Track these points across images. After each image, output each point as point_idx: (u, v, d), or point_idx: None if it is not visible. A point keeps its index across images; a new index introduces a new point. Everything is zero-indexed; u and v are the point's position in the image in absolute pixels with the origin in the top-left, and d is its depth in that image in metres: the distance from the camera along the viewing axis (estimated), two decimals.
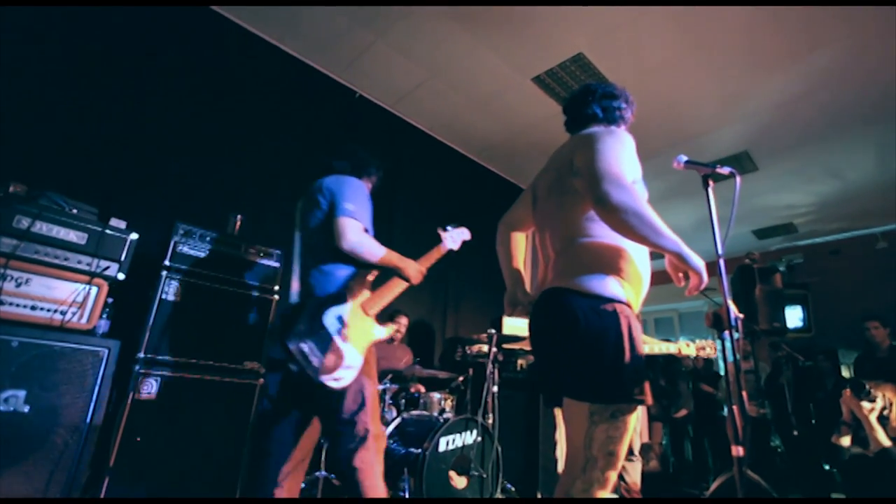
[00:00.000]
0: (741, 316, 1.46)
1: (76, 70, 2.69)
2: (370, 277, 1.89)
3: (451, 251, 2.40)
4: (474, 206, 5.08)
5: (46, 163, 2.48)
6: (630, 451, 2.94)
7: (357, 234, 1.74)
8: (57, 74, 2.63)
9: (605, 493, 1.24)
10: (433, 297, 4.44)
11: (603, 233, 1.35)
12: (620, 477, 2.97)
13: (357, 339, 1.73)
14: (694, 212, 5.80)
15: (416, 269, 1.94)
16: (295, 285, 1.90)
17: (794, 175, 5.02)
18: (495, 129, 4.70)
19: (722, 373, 5.04)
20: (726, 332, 1.45)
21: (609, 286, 1.30)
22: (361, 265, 1.81)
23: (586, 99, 1.65)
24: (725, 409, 4.71)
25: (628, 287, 1.34)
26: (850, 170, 4.86)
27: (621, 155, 1.32)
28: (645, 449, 3.39)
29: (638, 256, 1.39)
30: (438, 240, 2.34)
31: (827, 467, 3.83)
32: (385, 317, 3.76)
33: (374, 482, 1.66)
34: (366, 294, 1.84)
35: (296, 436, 1.80)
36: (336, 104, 4.04)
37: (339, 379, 1.62)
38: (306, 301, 1.75)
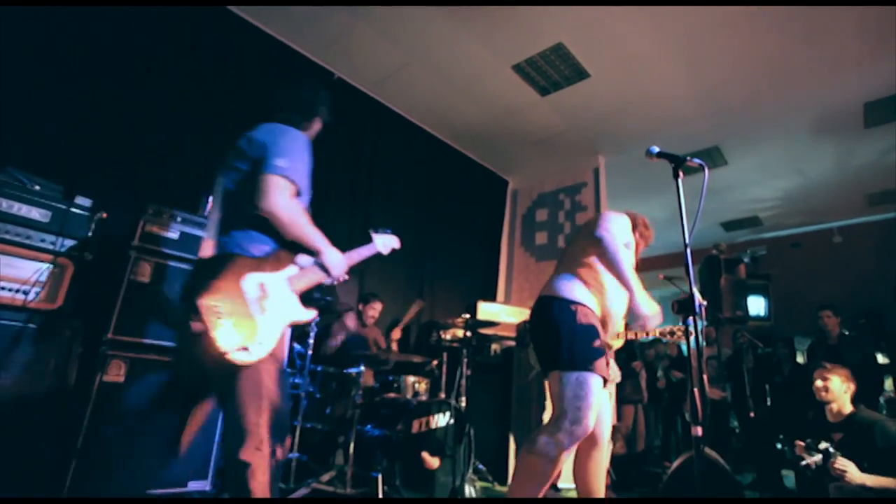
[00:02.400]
0: (704, 303, 1.53)
1: (40, 45, 2.56)
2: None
3: (379, 254, 2.14)
4: (451, 191, 5.09)
5: (6, 137, 2.36)
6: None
7: (284, 196, 1.47)
8: (19, 48, 2.49)
9: (569, 443, 1.61)
10: (409, 283, 4.45)
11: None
12: None
13: (276, 315, 1.48)
14: (666, 205, 5.95)
15: (340, 262, 1.66)
16: (208, 251, 1.63)
17: (761, 170, 5.20)
18: (474, 115, 4.70)
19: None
20: (690, 319, 1.52)
21: (574, 294, 1.82)
22: (281, 238, 1.53)
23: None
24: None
25: (589, 297, 1.84)
26: (812, 167, 5.06)
27: (617, 228, 1.91)
28: (613, 431, 3.51)
29: (610, 281, 1.87)
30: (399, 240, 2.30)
31: (779, 446, 4.05)
32: (358, 300, 3.76)
33: (263, 483, 1.37)
34: (294, 269, 1.58)
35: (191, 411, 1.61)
36: (314, 85, 3.96)
37: (247, 351, 1.37)
38: (225, 257, 1.49)
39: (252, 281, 1.46)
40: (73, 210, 2.20)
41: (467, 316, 3.13)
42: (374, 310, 3.68)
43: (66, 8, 2.66)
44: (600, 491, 1.86)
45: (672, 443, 5.12)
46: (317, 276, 1.63)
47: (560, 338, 1.71)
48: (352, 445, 2.46)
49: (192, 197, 2.69)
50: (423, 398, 2.91)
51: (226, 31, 3.42)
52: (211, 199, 2.68)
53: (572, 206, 5.21)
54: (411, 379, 3.07)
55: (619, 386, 4.38)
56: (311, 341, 2.67)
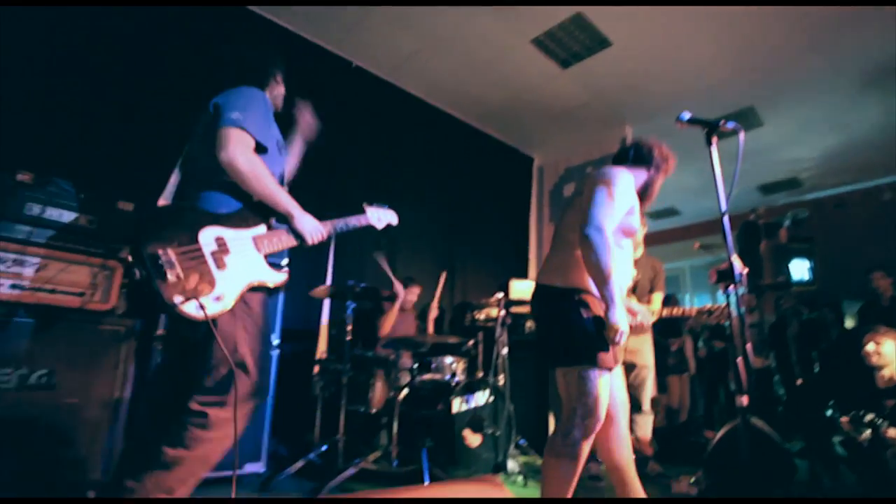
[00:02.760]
0: (745, 270, 1.50)
1: (74, 60, 2.67)
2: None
3: (372, 228, 2.06)
4: (476, 172, 5.06)
5: (51, 150, 2.49)
6: (639, 407, 3.03)
7: (242, 148, 1.40)
8: (55, 65, 2.60)
9: (585, 436, 1.59)
10: (438, 267, 4.48)
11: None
12: (631, 430, 3.06)
13: (238, 273, 1.40)
14: (699, 172, 5.75)
15: (313, 226, 1.58)
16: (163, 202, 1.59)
17: (800, 129, 4.95)
18: (495, 94, 4.63)
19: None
20: (731, 287, 1.49)
21: (574, 281, 1.69)
22: (249, 200, 1.46)
23: (627, 146, 1.97)
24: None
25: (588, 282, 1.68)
26: (856, 122, 4.78)
27: (612, 202, 1.66)
28: (654, 403, 3.49)
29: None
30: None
31: (829, 413, 3.94)
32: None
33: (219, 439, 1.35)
34: (262, 229, 1.51)
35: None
36: (332, 76, 3.99)
37: (201, 307, 1.29)
38: (182, 208, 1.44)
39: (210, 234, 1.38)
40: (117, 214, 2.31)
41: (501, 295, 3.14)
42: (413, 294, 3.72)
43: (90, 9, 2.75)
44: (629, 464, 1.79)
45: (715, 413, 5.05)
46: (288, 241, 1.55)
47: (561, 333, 1.66)
48: (395, 426, 2.53)
49: None
50: (461, 378, 2.95)
51: (241, 28, 3.45)
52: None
53: None
54: (448, 360, 3.12)
55: (662, 357, 4.34)
56: (350, 327, 2.73)
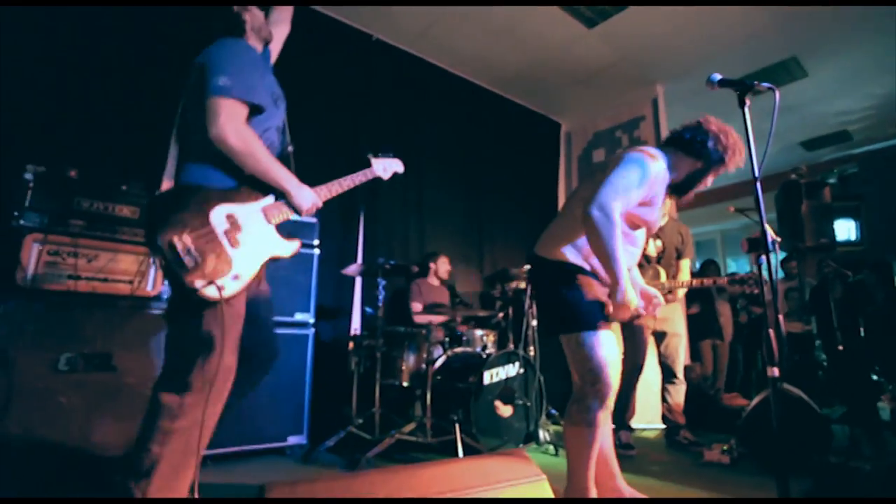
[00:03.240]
0: (778, 239, 1.46)
1: (106, 54, 2.75)
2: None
3: (379, 179, 2.00)
4: (503, 140, 4.99)
5: (91, 144, 2.61)
6: (673, 374, 3.01)
7: (233, 120, 1.34)
8: (87, 60, 2.69)
9: (599, 402, 1.62)
10: (467, 238, 4.50)
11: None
12: (663, 398, 3.07)
13: (253, 249, 1.40)
14: (737, 130, 5.49)
15: (308, 199, 1.54)
16: (166, 185, 1.53)
17: (848, 78, 4.62)
18: (519, 58, 4.49)
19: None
20: (763, 256, 1.45)
21: (569, 256, 1.73)
22: (242, 175, 1.41)
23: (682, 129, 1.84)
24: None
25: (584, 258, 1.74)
26: None
27: (628, 186, 1.63)
28: (687, 371, 3.47)
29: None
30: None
31: (875, 378, 3.82)
32: (425, 258, 3.85)
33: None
34: (270, 199, 1.49)
35: None
36: (354, 50, 3.96)
37: (221, 288, 1.29)
38: (188, 188, 1.39)
39: (220, 212, 1.35)
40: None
41: (528, 267, 3.14)
42: (444, 265, 3.74)
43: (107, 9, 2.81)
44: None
45: (753, 379, 4.97)
46: (290, 210, 1.54)
47: (556, 302, 1.72)
48: (428, 398, 2.63)
49: None
50: (492, 350, 3.01)
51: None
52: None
53: (631, 143, 4.93)
54: (479, 332, 3.18)
55: (693, 322, 4.27)
56: (381, 304, 2.81)
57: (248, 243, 1.39)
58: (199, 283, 1.26)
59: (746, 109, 1.57)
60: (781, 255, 5.18)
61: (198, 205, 1.33)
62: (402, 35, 4.18)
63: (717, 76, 1.62)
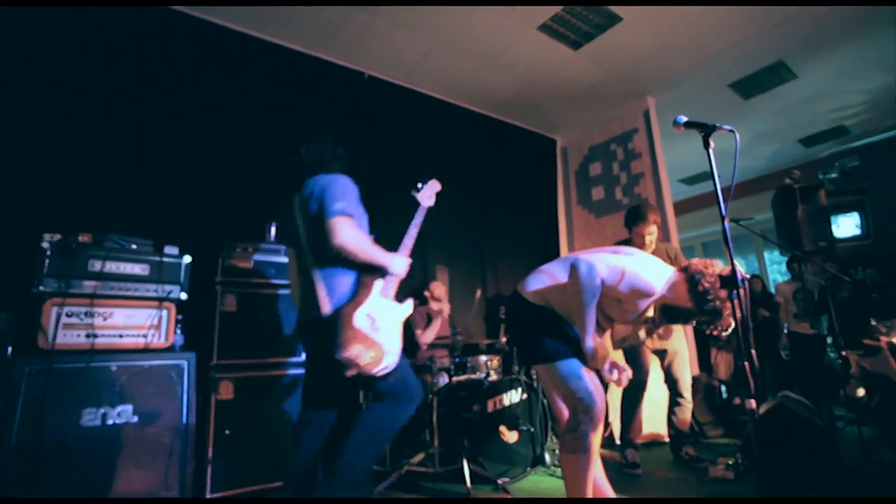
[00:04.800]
0: (748, 277, 1.52)
1: (108, 115, 2.91)
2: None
3: (430, 209, 2.30)
4: (500, 162, 5.08)
5: (99, 208, 2.76)
6: (678, 394, 3.01)
7: (348, 230, 1.79)
8: (92, 121, 2.86)
9: (592, 428, 1.71)
10: (471, 262, 4.57)
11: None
12: (671, 414, 3.07)
13: (389, 326, 1.84)
14: (727, 136, 5.51)
15: (401, 263, 1.95)
16: (298, 292, 1.97)
17: (839, 75, 4.64)
18: (509, 84, 4.60)
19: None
20: (734, 292, 1.51)
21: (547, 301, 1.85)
22: (358, 266, 1.87)
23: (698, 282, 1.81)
24: (786, 329, 4.68)
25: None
26: None
27: (614, 270, 1.75)
28: (695, 381, 3.49)
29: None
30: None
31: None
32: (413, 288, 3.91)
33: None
34: (379, 283, 1.90)
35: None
36: (348, 90, 4.10)
37: (387, 367, 1.76)
38: (334, 316, 1.79)
39: (360, 315, 1.79)
40: (165, 259, 2.55)
41: (509, 303, 3.19)
42: (438, 288, 3.79)
43: (109, 69, 2.98)
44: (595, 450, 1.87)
45: (769, 381, 4.93)
46: (394, 279, 1.95)
47: (533, 336, 1.83)
48: (435, 429, 2.70)
49: (258, 227, 2.98)
50: (496, 376, 3.07)
51: (254, 56, 3.60)
52: (274, 227, 2.96)
53: (626, 155, 5.00)
54: (483, 358, 3.25)
55: (698, 332, 4.27)
56: None
57: (385, 325, 1.84)
58: (376, 371, 1.75)
59: (711, 151, 1.63)
60: (783, 256, 5.17)
61: (346, 321, 1.76)
62: (394, 69, 4.31)
63: (683, 118, 1.69)
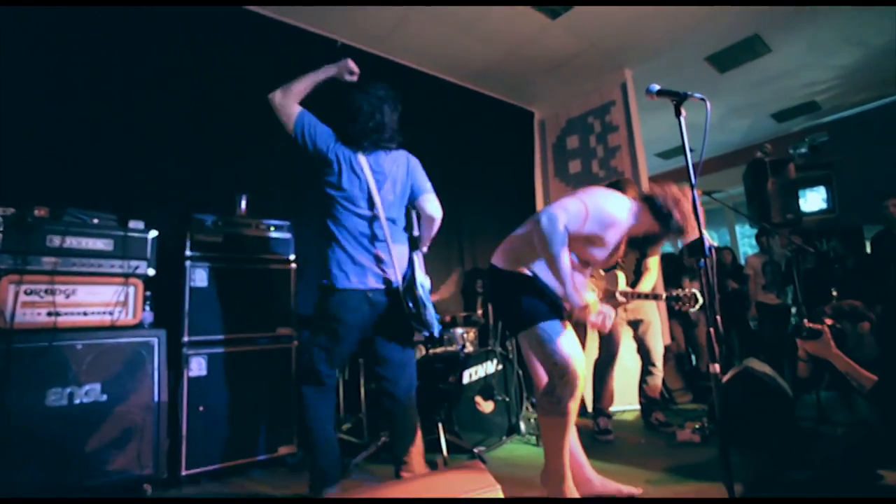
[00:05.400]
0: (714, 244, 1.54)
1: (64, 82, 2.74)
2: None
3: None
4: (477, 134, 5.01)
5: (57, 181, 2.63)
6: (651, 363, 3.10)
7: (436, 203, 2.22)
8: (47, 89, 2.69)
9: (569, 393, 1.71)
10: (447, 233, 4.54)
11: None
12: (643, 382, 3.16)
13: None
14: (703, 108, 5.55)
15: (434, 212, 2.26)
16: (391, 261, 2.09)
17: (811, 50, 4.68)
18: (486, 53, 4.51)
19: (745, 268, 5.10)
20: (702, 261, 1.53)
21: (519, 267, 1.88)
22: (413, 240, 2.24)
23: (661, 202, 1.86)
24: (752, 302, 4.83)
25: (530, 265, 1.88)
26: (873, 36, 4.48)
27: (578, 212, 1.73)
28: (665, 350, 3.58)
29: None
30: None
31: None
32: None
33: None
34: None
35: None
36: (320, 57, 3.93)
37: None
38: (412, 283, 2.05)
39: (422, 286, 2.06)
40: (130, 234, 2.46)
41: (486, 277, 3.21)
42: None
43: (88, 36, 2.80)
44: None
45: (736, 349, 5.12)
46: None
47: (511, 303, 1.84)
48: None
49: (228, 200, 2.89)
50: (472, 349, 3.11)
51: (223, 23, 3.43)
52: (244, 199, 2.88)
53: (603, 128, 4.99)
54: (459, 330, 3.26)
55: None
56: None
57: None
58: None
59: (682, 119, 1.63)
60: (754, 230, 5.30)
61: (421, 292, 2.06)
62: (368, 38, 4.17)
63: (655, 87, 1.68)
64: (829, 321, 2.22)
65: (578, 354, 1.76)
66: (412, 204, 2.23)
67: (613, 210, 1.78)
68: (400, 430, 2.13)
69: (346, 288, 1.97)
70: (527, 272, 1.87)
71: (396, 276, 2.05)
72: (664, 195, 1.77)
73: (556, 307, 1.81)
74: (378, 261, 2.04)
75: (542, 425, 1.84)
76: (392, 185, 2.12)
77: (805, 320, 2.21)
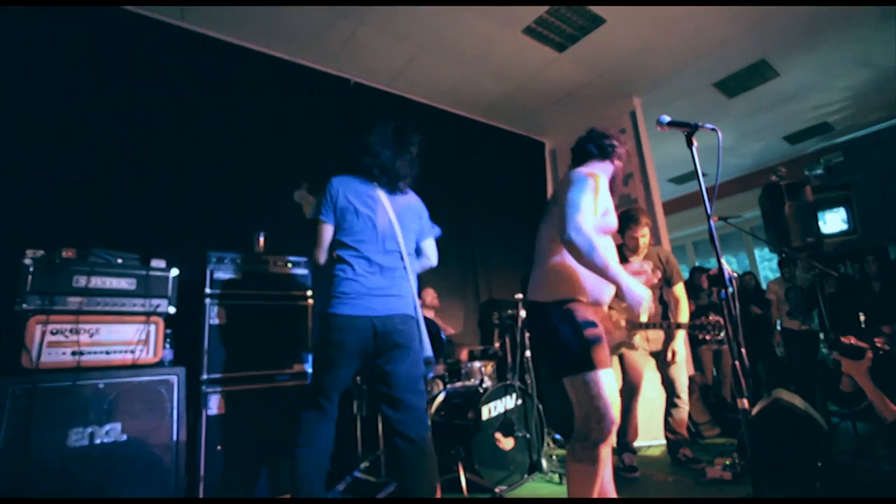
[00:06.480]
0: (735, 275, 1.52)
1: (88, 130, 2.87)
2: None
3: None
4: (489, 165, 5.08)
5: (83, 222, 2.72)
6: (675, 394, 3.01)
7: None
8: (73, 139, 2.82)
9: (603, 439, 1.64)
10: (460, 264, 4.54)
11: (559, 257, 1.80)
12: (668, 416, 3.06)
13: None
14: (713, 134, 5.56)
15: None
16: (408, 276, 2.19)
17: (820, 73, 4.70)
18: (495, 87, 4.62)
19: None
20: (723, 292, 1.51)
21: (558, 292, 1.76)
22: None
23: (585, 139, 2.01)
24: (778, 325, 4.70)
25: (573, 289, 1.76)
26: (881, 56, 4.48)
27: (587, 202, 1.69)
28: (690, 381, 3.49)
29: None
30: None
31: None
32: None
33: None
34: None
35: None
36: (334, 97, 4.09)
37: None
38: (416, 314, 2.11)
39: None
40: (152, 273, 2.51)
41: (520, 296, 3.19)
42: (429, 295, 3.77)
43: (97, 84, 2.95)
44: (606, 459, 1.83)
45: (763, 379, 4.96)
46: None
47: (557, 346, 1.70)
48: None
49: (246, 238, 2.95)
50: (490, 383, 3.06)
51: (240, 65, 3.58)
52: (262, 237, 2.93)
53: None
54: (477, 364, 3.23)
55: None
56: None
57: None
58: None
59: (695, 150, 1.64)
60: (773, 254, 5.20)
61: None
62: (380, 76, 4.31)
63: (666, 118, 1.69)
64: (879, 341, 2.12)
65: (617, 399, 1.69)
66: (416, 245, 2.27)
67: (601, 180, 1.78)
68: (415, 475, 1.94)
69: (345, 314, 1.95)
70: (567, 296, 1.74)
71: (408, 307, 2.05)
72: (584, 136, 1.97)
73: (599, 340, 1.72)
74: (387, 288, 2.03)
75: (571, 473, 1.72)
76: (403, 221, 2.16)
77: (852, 336, 2.11)
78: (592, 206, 1.69)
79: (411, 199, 2.25)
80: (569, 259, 1.74)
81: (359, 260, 2.01)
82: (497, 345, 3.35)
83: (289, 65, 3.88)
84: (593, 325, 1.70)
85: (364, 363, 2.02)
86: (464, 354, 3.54)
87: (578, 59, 4.25)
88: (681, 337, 3.01)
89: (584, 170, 1.81)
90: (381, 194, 2.12)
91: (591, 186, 1.72)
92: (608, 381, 1.67)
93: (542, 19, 3.75)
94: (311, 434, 1.97)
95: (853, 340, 2.09)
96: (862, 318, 4.53)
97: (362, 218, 2.06)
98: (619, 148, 1.93)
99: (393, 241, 2.07)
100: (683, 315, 2.90)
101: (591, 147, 1.94)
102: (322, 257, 2.12)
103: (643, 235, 2.88)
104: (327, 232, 2.09)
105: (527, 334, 3.08)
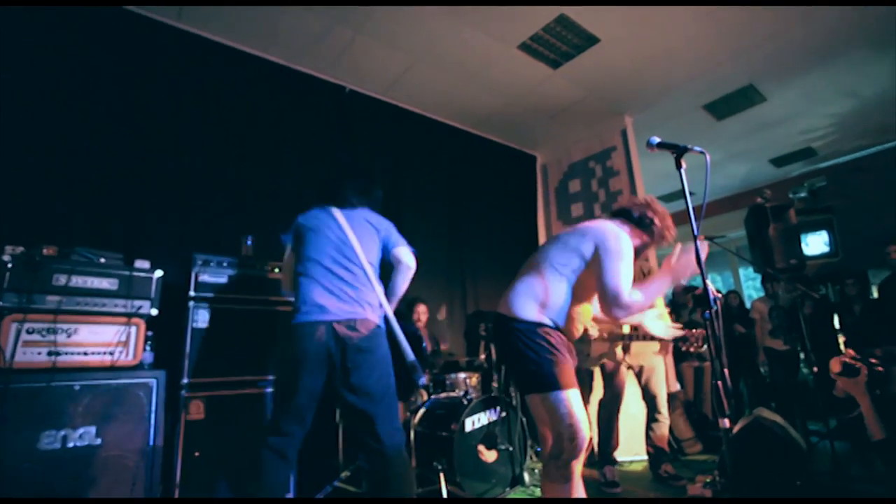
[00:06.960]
0: (720, 296, 1.54)
1: (75, 124, 2.83)
2: None
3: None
4: (480, 177, 5.10)
5: (66, 220, 2.67)
6: (656, 410, 3.03)
7: (411, 256, 2.30)
8: (59, 131, 2.77)
9: (576, 456, 1.67)
10: (450, 278, 4.55)
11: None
12: (649, 432, 3.08)
13: None
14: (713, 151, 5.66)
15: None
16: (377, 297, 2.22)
17: (806, 99, 4.82)
18: (490, 101, 4.66)
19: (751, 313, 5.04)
20: (707, 312, 1.53)
21: (542, 316, 1.80)
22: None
23: (643, 206, 1.98)
24: (760, 348, 4.76)
25: (557, 318, 1.82)
26: (865, 85, 4.62)
27: (625, 271, 1.74)
28: (671, 399, 3.51)
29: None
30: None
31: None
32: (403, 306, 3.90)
33: None
34: None
35: None
36: (328, 103, 4.09)
37: None
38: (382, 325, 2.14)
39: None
40: (135, 274, 2.47)
41: (494, 325, 3.18)
42: (419, 313, 3.79)
43: (92, 79, 2.91)
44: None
45: (745, 398, 5.00)
46: None
47: (527, 363, 1.73)
48: (412, 447, 2.65)
49: (232, 241, 2.92)
50: (475, 394, 3.04)
51: (235, 68, 3.56)
52: (250, 240, 2.91)
53: (604, 173, 5.08)
54: (462, 375, 3.21)
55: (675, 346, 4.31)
56: None
57: None
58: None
59: (683, 172, 1.66)
60: (758, 275, 5.29)
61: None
62: (375, 85, 4.32)
63: (656, 139, 1.72)
64: (874, 361, 2.19)
65: (584, 415, 1.72)
66: (387, 257, 2.28)
67: (630, 244, 1.82)
68: (390, 491, 1.85)
69: (305, 321, 1.93)
70: (548, 321, 1.79)
71: (371, 313, 2.04)
72: (635, 204, 1.92)
73: (571, 368, 1.77)
74: (346, 294, 2.02)
75: (546, 492, 1.75)
76: (358, 231, 2.19)
77: (847, 354, 2.18)
78: (630, 274, 1.75)
79: (367, 214, 2.28)
80: (569, 295, 1.83)
81: (315, 268, 2.05)
82: (482, 356, 3.34)
83: (284, 70, 3.87)
84: (562, 351, 1.77)
85: (330, 372, 1.94)
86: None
87: (572, 77, 4.31)
88: (653, 345, 3.04)
89: (621, 232, 1.85)
90: (336, 211, 2.21)
91: (628, 252, 1.78)
92: (577, 399, 1.71)
93: (537, 36, 3.80)
94: (265, 483, 1.92)
95: (852, 353, 2.16)
96: (841, 339, 4.62)
97: (316, 233, 2.13)
98: (659, 229, 1.93)
99: (350, 250, 2.10)
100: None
101: (634, 214, 1.94)
102: (287, 284, 2.22)
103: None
104: (288, 255, 2.23)
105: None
